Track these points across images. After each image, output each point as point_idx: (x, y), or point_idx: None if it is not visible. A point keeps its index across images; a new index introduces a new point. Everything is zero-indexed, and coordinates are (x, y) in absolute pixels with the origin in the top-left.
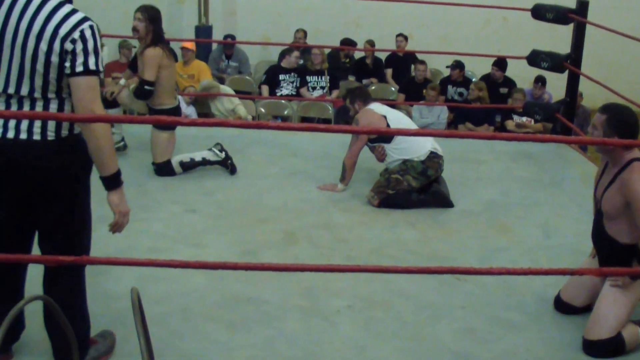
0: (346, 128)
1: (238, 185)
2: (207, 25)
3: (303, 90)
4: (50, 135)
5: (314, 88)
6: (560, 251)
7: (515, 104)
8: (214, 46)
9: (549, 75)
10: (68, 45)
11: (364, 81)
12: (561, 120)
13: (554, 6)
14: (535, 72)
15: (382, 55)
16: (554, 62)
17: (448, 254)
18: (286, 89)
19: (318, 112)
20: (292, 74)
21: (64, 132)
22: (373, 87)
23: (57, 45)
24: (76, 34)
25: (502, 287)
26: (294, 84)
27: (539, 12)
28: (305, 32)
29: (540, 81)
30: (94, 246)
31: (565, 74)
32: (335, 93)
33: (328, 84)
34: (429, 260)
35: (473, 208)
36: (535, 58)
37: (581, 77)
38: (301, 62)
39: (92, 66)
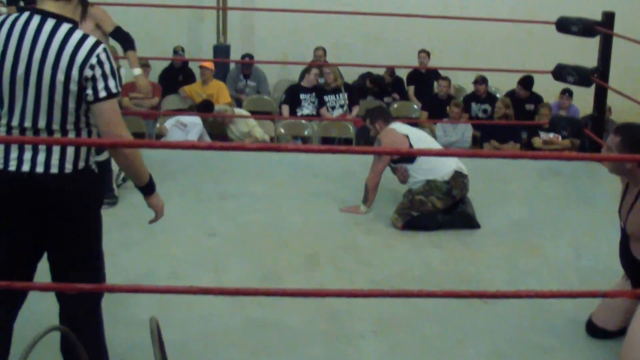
0: (366, 149)
1: (258, 207)
2: (225, 45)
3: (323, 111)
4: (68, 167)
5: (333, 107)
6: (592, 272)
7: (542, 119)
8: (232, 66)
9: (576, 89)
10: (87, 72)
11: (385, 99)
12: (589, 135)
13: (579, 18)
14: (562, 85)
15: (404, 72)
16: (581, 76)
17: (475, 276)
18: (307, 109)
19: (339, 132)
20: (313, 93)
21: (81, 164)
22: (395, 106)
23: (75, 73)
24: (94, 59)
25: (531, 309)
26: (315, 103)
27: (563, 25)
28: (324, 50)
29: (567, 92)
30: (115, 271)
31: (593, 88)
32: (355, 110)
33: (347, 101)
34: (455, 282)
35: (500, 228)
36: (561, 72)
37: (609, 91)
38: (321, 80)
39: (114, 89)
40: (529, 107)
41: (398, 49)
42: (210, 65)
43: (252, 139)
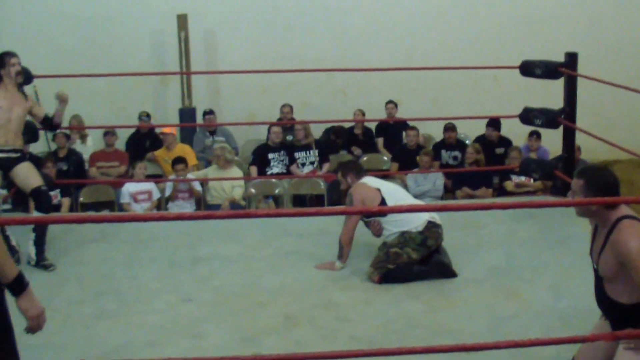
0: (337, 209)
1: (233, 269)
2: (191, 107)
3: (293, 168)
4: None
5: (303, 164)
6: (573, 313)
7: (513, 163)
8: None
9: (544, 131)
10: None
11: (354, 152)
12: (560, 177)
13: (542, 61)
14: (530, 128)
15: (372, 125)
16: (548, 118)
17: (455, 325)
18: (276, 167)
19: (310, 189)
20: (282, 151)
21: None
22: (365, 158)
23: None
24: None
25: (513, 355)
26: (284, 161)
27: (527, 69)
28: (291, 107)
29: (535, 134)
30: (91, 344)
31: (561, 129)
32: (325, 167)
33: (317, 158)
34: (436, 333)
35: (477, 275)
36: (528, 115)
37: (579, 130)
38: (289, 137)
39: None
40: (499, 150)
41: (365, 102)
42: (169, 130)
43: (230, 198)
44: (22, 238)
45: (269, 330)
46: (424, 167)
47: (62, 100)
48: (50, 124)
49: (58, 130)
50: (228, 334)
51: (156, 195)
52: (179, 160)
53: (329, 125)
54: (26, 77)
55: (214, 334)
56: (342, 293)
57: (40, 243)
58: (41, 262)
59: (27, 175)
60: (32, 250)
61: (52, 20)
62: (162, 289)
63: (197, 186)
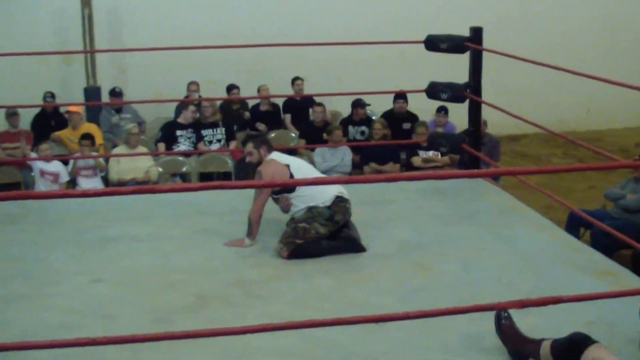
0: (242, 183)
1: (143, 249)
2: (96, 87)
3: (200, 145)
4: None
5: (210, 142)
6: (482, 285)
7: (420, 138)
8: None
9: (452, 106)
10: None
11: (257, 124)
12: (467, 150)
13: (447, 36)
14: (438, 103)
15: (280, 102)
16: (454, 92)
17: (366, 299)
18: (184, 145)
19: (217, 167)
20: (189, 129)
21: None
22: (272, 135)
23: None
24: None
25: (423, 327)
26: (191, 139)
27: (432, 43)
28: (198, 85)
29: (443, 110)
30: (2, 327)
31: (467, 103)
32: (233, 144)
33: (224, 136)
34: (347, 307)
35: (387, 250)
36: (434, 90)
37: (485, 105)
38: (198, 115)
39: None
40: (406, 126)
41: (271, 80)
42: (76, 109)
43: (146, 179)
44: None
45: (181, 310)
46: (336, 141)
47: None
48: None
49: None
50: (139, 314)
51: (64, 177)
52: (86, 137)
53: None
54: None
55: (126, 315)
56: (253, 270)
57: None
58: None
59: None
60: None
61: None
62: (71, 270)
63: (102, 161)
